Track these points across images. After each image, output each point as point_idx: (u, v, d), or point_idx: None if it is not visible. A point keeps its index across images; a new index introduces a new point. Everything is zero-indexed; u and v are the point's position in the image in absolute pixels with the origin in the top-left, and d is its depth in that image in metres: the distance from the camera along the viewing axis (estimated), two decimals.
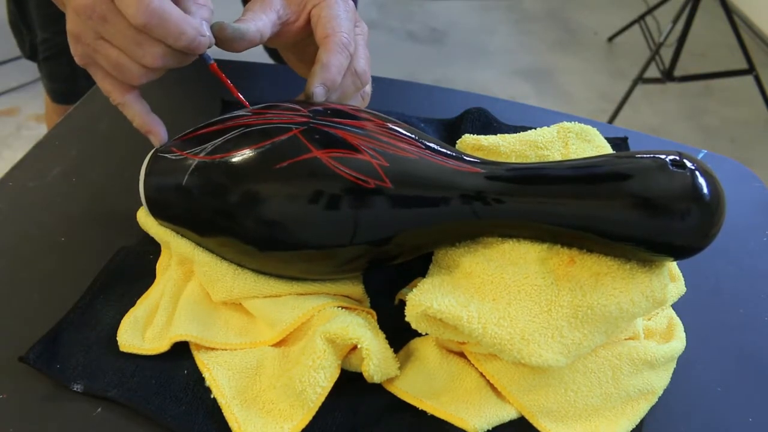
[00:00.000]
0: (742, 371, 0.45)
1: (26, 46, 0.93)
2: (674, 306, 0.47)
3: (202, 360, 0.42)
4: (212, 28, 0.45)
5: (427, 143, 0.42)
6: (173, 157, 0.44)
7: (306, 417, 0.39)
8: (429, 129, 0.61)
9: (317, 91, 0.45)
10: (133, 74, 0.45)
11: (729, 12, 1.85)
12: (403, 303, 0.41)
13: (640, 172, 0.38)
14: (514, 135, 0.50)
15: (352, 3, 0.50)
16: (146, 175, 0.45)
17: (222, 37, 0.46)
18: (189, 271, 0.46)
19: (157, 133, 0.48)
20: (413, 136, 0.43)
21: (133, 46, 0.43)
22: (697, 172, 0.37)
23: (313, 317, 0.42)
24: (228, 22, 0.46)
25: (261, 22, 0.47)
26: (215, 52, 0.47)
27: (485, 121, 0.61)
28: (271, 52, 1.05)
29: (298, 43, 0.51)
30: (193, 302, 0.44)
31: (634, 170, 0.38)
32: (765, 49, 2.34)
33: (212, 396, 0.40)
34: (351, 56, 0.47)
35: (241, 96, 0.47)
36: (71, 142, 0.58)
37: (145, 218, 0.47)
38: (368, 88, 0.52)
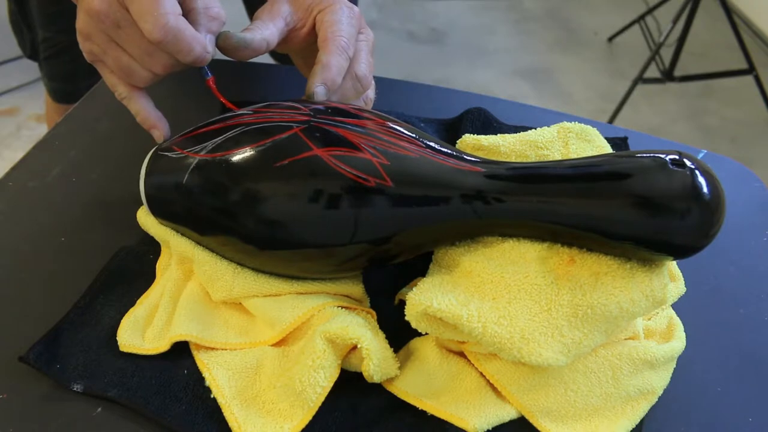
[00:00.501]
0: (742, 371, 0.45)
1: (27, 45, 0.93)
2: (674, 306, 0.47)
3: (201, 360, 0.42)
4: (218, 37, 0.47)
5: (428, 142, 0.42)
6: (174, 156, 0.44)
7: (306, 417, 0.39)
8: (429, 129, 0.61)
9: (318, 90, 0.45)
10: (141, 77, 0.47)
11: (729, 12, 1.85)
12: (403, 303, 0.41)
13: (640, 171, 0.38)
14: (514, 135, 0.50)
15: (357, 10, 0.51)
16: (147, 174, 0.45)
17: (227, 46, 0.47)
18: (189, 271, 0.46)
19: (161, 128, 0.49)
20: (413, 134, 0.43)
21: (144, 55, 0.45)
22: (696, 172, 0.37)
23: (312, 317, 0.42)
24: (234, 31, 0.47)
25: (268, 31, 0.48)
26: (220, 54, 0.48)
27: (485, 121, 0.61)
28: (274, 53, 1.05)
29: (305, 48, 0.52)
30: (193, 302, 0.44)
31: (634, 169, 0.38)
32: (765, 49, 2.34)
33: (212, 396, 0.40)
34: (350, 59, 0.48)
35: (237, 109, 0.48)
36: (71, 142, 0.58)
37: (145, 218, 0.47)
38: (371, 94, 0.53)
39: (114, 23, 0.44)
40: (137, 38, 0.44)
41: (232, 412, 0.39)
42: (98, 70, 0.49)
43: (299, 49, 0.53)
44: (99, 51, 0.46)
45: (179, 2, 0.45)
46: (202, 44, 0.44)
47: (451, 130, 0.61)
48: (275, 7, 0.50)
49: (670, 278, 0.45)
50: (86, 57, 0.48)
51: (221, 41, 0.47)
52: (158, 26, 0.42)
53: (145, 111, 0.49)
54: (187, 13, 0.46)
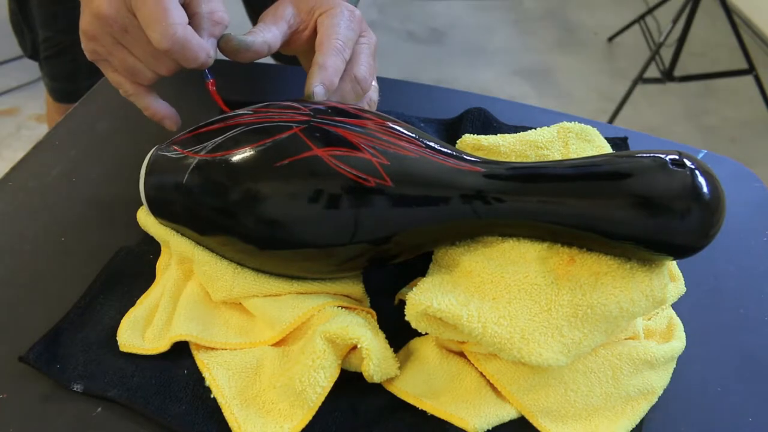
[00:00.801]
0: (742, 371, 0.45)
1: (28, 45, 0.93)
2: (674, 306, 0.47)
3: (201, 360, 0.42)
4: (219, 40, 0.48)
5: (427, 142, 0.42)
6: (174, 156, 0.44)
7: (306, 417, 0.39)
8: (429, 129, 0.61)
9: (317, 90, 0.46)
10: (146, 77, 0.48)
11: (729, 12, 1.85)
12: (403, 303, 0.41)
13: (640, 171, 0.38)
14: (514, 135, 0.50)
15: (358, 13, 0.51)
16: (146, 174, 0.45)
17: (228, 48, 0.48)
18: (189, 271, 0.46)
19: (171, 117, 0.51)
20: (413, 134, 0.43)
21: (150, 58, 0.46)
22: (696, 172, 0.37)
23: (312, 317, 0.42)
24: (236, 34, 0.48)
25: (270, 34, 0.49)
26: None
27: (485, 121, 0.61)
28: (278, 55, 1.05)
29: (308, 50, 0.52)
30: (192, 302, 0.44)
31: (634, 169, 0.38)
32: (765, 49, 2.34)
33: (212, 396, 0.40)
34: (346, 61, 0.48)
35: (227, 109, 0.49)
36: (71, 142, 0.58)
37: (145, 218, 0.47)
38: (375, 96, 0.53)
39: (121, 27, 0.45)
40: (144, 43, 0.45)
41: (232, 412, 0.39)
42: (101, 69, 0.49)
43: (303, 51, 0.53)
44: (104, 52, 0.47)
45: (183, 5, 0.45)
46: (206, 52, 0.46)
47: (451, 130, 0.61)
48: (279, 10, 0.50)
49: (670, 278, 0.45)
50: (89, 56, 0.48)
51: (222, 43, 0.48)
52: (166, 36, 0.43)
53: (153, 105, 0.50)
54: (191, 17, 0.46)
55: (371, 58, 0.51)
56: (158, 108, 0.50)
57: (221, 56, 0.49)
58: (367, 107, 0.51)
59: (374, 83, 0.53)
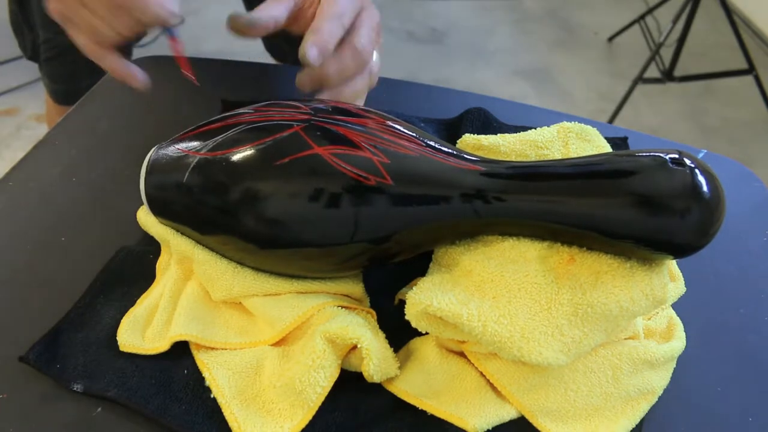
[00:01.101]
0: (742, 371, 0.45)
1: (28, 46, 0.93)
2: (674, 306, 0.47)
3: (201, 360, 0.42)
4: (228, 19, 0.49)
5: (428, 141, 0.42)
6: (174, 155, 0.44)
7: (306, 417, 0.39)
8: (429, 129, 0.61)
9: (311, 52, 0.46)
10: (108, 38, 0.51)
11: (729, 12, 1.85)
12: (403, 303, 0.41)
13: (639, 170, 0.38)
14: (514, 135, 0.50)
15: None
16: (147, 173, 0.45)
17: (236, 26, 0.49)
18: (189, 270, 0.46)
19: (134, 76, 0.53)
20: (414, 133, 0.43)
21: (110, 17, 0.49)
22: (696, 170, 0.37)
23: (312, 316, 0.42)
24: (242, 12, 0.49)
25: (276, 11, 0.50)
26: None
27: (485, 121, 0.61)
28: (273, 51, 1.05)
29: None
30: (192, 302, 0.44)
31: (634, 168, 0.38)
32: (765, 49, 2.34)
33: (212, 396, 0.40)
34: (345, 29, 0.49)
35: (190, 75, 0.51)
36: (71, 142, 0.58)
37: (145, 217, 0.47)
38: (375, 67, 0.53)
39: None
40: (104, 1, 0.48)
41: (232, 412, 0.39)
42: (67, 31, 0.52)
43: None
44: (70, 13, 0.50)
45: None
46: (159, 4, 0.47)
47: (451, 130, 0.61)
48: None
49: (670, 278, 0.45)
50: (56, 17, 0.51)
51: (231, 23, 0.49)
52: None
53: (119, 67, 0.53)
54: None
55: (373, 31, 0.51)
56: (121, 66, 0.52)
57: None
58: (367, 78, 0.52)
59: (375, 57, 0.53)
